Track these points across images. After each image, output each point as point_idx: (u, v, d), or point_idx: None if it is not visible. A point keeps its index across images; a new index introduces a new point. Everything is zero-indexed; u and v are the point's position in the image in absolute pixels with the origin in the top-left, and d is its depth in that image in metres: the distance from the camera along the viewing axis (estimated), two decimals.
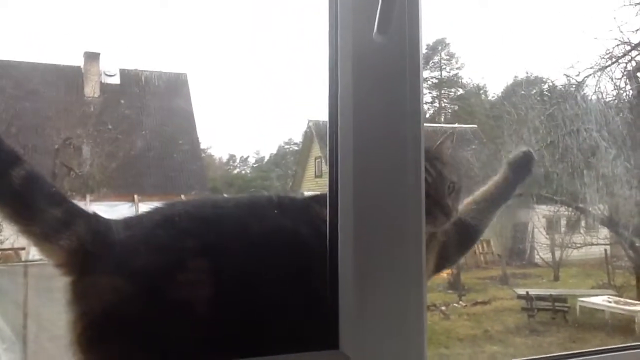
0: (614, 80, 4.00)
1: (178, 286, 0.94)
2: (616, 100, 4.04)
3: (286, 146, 5.08)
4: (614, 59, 3.98)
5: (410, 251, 1.02)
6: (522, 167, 1.38)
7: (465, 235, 1.34)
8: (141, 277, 0.93)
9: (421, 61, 1.04)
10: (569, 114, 3.81)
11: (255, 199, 1.26)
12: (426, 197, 1.06)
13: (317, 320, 1.02)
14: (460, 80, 5.41)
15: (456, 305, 4.72)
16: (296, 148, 4.94)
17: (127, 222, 1.00)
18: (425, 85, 5.32)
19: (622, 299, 4.34)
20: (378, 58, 0.99)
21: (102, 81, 3.86)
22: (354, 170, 0.99)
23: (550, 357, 1.46)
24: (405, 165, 1.01)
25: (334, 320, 1.01)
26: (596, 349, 1.51)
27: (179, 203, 1.17)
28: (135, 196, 3.69)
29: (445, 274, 4.93)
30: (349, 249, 0.99)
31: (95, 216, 0.97)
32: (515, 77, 4.82)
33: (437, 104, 5.42)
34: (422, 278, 1.02)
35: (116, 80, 3.95)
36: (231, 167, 5.11)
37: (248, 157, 5.00)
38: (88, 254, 0.93)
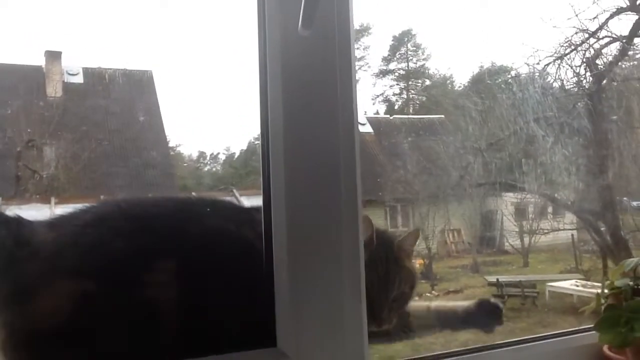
0: (574, 68, 4.08)
1: (108, 290, 0.93)
2: (576, 88, 4.12)
3: (256, 142, 5.05)
4: (572, 47, 4.06)
5: (347, 247, 1.02)
6: (486, 315, 1.38)
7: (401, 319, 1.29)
8: (67, 281, 0.92)
9: (353, 54, 1.04)
10: (530, 103, 3.86)
11: (195, 200, 1.25)
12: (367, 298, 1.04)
13: (255, 318, 1.02)
14: (427, 71, 5.44)
15: (429, 294, 4.75)
16: None
17: (54, 223, 0.99)
18: (392, 76, 5.34)
19: (589, 283, 4.41)
20: (305, 53, 0.99)
21: (65, 80, 3.80)
22: (285, 167, 0.99)
23: (510, 342, 1.49)
24: (339, 160, 1.02)
25: (271, 318, 1.01)
26: (550, 333, 1.54)
27: (112, 201, 1.16)
28: (102, 197, 3.65)
29: (417, 264, 4.97)
30: (284, 247, 1.00)
31: (17, 220, 0.95)
32: (481, 66, 4.86)
33: (405, 96, 5.44)
34: (359, 274, 1.03)
35: (79, 79, 3.88)
36: (201, 165, 5.06)
37: (218, 153, 4.96)
38: (10, 260, 0.91)
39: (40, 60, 3.76)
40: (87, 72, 3.91)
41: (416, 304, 1.39)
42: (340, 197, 1.02)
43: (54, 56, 3.76)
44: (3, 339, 0.91)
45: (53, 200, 3.55)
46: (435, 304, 1.39)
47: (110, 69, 3.94)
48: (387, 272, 1.19)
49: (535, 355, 1.42)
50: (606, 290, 1.42)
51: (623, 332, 1.29)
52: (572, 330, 1.49)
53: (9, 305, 0.92)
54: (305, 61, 1.00)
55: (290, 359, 1.00)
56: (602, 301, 1.42)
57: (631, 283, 1.37)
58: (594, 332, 1.39)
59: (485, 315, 1.38)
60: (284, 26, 0.98)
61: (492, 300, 1.40)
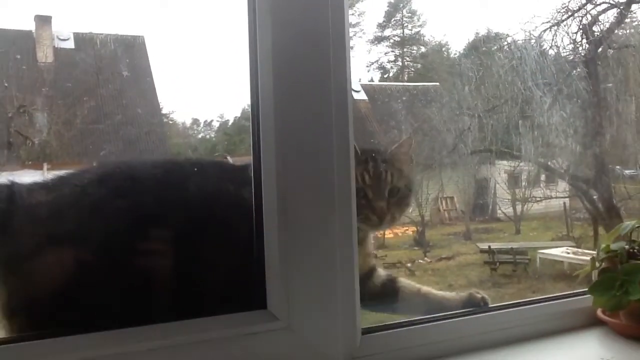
0: (570, 35, 4.06)
1: (108, 251, 0.92)
2: (572, 55, 4.10)
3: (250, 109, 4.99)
4: (569, 13, 4.02)
5: (339, 210, 1.02)
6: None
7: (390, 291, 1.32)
8: (69, 243, 0.91)
9: (346, 10, 1.01)
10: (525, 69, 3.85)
11: (195, 162, 1.24)
12: (363, 197, 1.06)
13: (245, 280, 1.02)
14: (422, 38, 5.38)
15: (421, 261, 4.80)
16: None
17: (51, 184, 0.98)
18: (387, 43, 5.28)
19: (580, 250, 4.46)
20: (296, 7, 0.97)
21: (55, 46, 3.74)
22: (276, 131, 0.97)
23: (504, 305, 1.51)
24: (331, 118, 1.00)
25: (261, 280, 1.01)
26: (545, 296, 1.56)
27: (111, 162, 1.14)
28: (95, 164, 3.62)
29: (411, 231, 5.01)
30: (274, 207, 0.99)
31: (10, 185, 0.94)
32: (477, 33, 4.82)
33: (400, 63, 5.39)
34: (352, 237, 1.03)
35: (70, 44, 3.82)
36: (195, 132, 5.03)
37: (212, 120, 4.92)
38: (6, 224, 0.90)
39: (30, 25, 3.69)
40: (78, 37, 3.84)
41: (407, 284, 1.41)
42: (333, 161, 1.01)
43: (44, 20, 3.70)
44: (3, 301, 0.91)
45: (45, 166, 3.53)
46: (425, 289, 1.41)
47: (102, 34, 3.88)
48: (377, 168, 1.20)
49: (529, 318, 1.44)
50: (601, 254, 1.43)
51: (617, 296, 1.30)
52: (566, 294, 1.51)
53: (7, 268, 0.92)
54: (295, 16, 0.97)
55: (280, 320, 1.01)
56: (597, 264, 1.44)
57: (627, 246, 1.38)
58: (588, 295, 1.41)
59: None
60: None
61: (480, 294, 1.42)
